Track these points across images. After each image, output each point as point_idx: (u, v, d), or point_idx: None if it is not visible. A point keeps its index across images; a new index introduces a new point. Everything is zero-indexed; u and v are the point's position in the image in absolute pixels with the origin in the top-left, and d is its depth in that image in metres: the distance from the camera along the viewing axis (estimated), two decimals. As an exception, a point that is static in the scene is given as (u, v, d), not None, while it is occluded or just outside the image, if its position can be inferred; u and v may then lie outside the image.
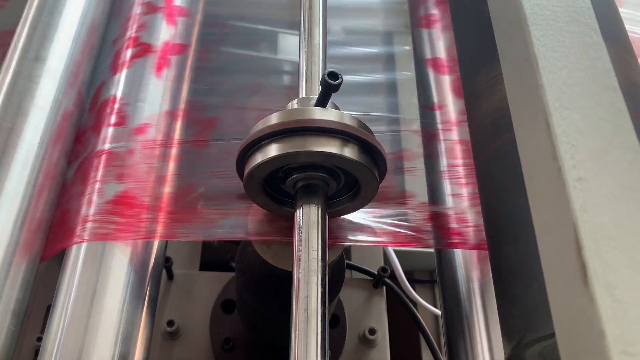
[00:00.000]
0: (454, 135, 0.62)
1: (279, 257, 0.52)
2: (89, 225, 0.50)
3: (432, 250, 0.59)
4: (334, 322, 0.84)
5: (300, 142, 0.45)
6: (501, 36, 0.40)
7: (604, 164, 0.29)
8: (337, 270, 0.60)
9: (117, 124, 0.57)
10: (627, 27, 0.52)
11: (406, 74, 0.70)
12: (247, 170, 0.47)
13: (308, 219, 0.46)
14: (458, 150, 0.61)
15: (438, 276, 0.59)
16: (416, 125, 0.64)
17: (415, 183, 0.59)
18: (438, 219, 0.56)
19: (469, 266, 0.55)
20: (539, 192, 0.31)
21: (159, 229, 0.52)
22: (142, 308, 0.50)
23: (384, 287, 0.89)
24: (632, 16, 0.68)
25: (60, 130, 0.56)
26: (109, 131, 0.57)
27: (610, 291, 0.24)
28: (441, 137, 0.62)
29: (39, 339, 0.83)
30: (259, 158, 0.46)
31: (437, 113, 0.64)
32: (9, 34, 0.59)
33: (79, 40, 0.61)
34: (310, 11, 0.59)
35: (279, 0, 0.76)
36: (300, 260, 0.43)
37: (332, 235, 0.53)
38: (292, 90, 0.64)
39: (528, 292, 0.40)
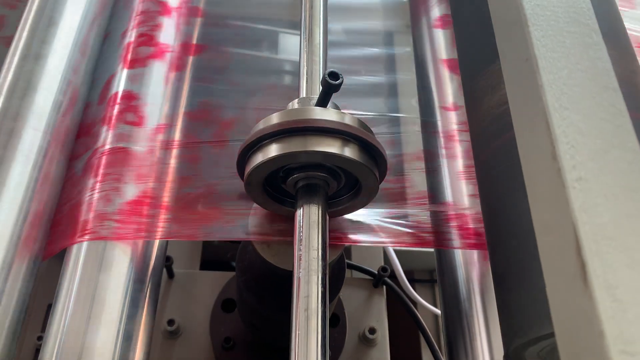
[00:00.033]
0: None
1: (280, 257, 0.52)
2: (91, 224, 0.50)
3: (432, 250, 0.59)
4: (334, 322, 0.84)
5: (301, 142, 0.45)
6: (501, 36, 0.40)
7: (603, 164, 0.29)
8: (338, 270, 0.60)
9: (131, 123, 0.57)
10: (628, 26, 0.52)
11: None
12: (247, 170, 0.47)
13: (309, 219, 0.46)
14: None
15: (438, 276, 0.59)
16: (430, 125, 0.64)
17: (431, 183, 0.59)
18: (457, 220, 0.56)
19: (469, 266, 0.55)
20: (539, 192, 0.31)
21: (161, 228, 0.52)
22: (143, 307, 0.50)
23: (384, 287, 0.89)
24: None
25: (60, 128, 0.56)
26: (119, 129, 0.57)
27: (610, 291, 0.25)
28: (457, 137, 0.62)
29: (40, 338, 0.83)
30: (259, 158, 0.46)
31: (454, 114, 0.65)
32: None
33: (80, 39, 0.61)
34: (311, 11, 0.60)
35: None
36: (300, 259, 0.44)
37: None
38: (293, 90, 0.64)
39: (528, 292, 0.40)
